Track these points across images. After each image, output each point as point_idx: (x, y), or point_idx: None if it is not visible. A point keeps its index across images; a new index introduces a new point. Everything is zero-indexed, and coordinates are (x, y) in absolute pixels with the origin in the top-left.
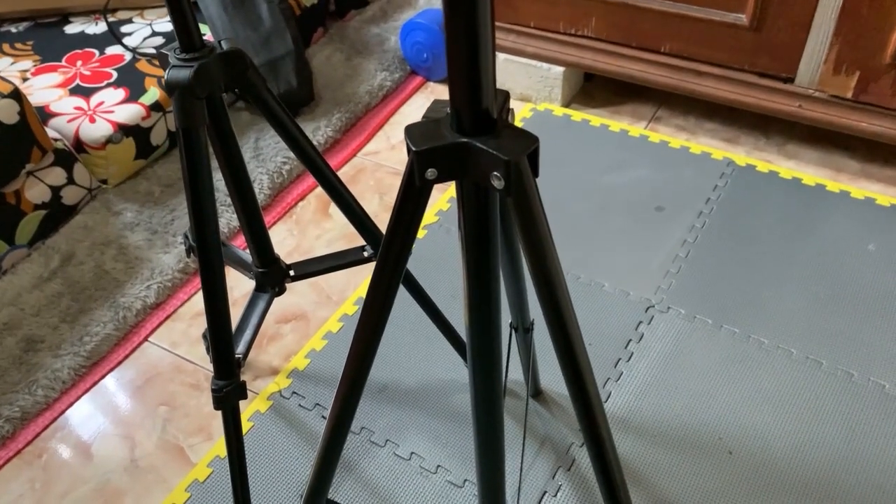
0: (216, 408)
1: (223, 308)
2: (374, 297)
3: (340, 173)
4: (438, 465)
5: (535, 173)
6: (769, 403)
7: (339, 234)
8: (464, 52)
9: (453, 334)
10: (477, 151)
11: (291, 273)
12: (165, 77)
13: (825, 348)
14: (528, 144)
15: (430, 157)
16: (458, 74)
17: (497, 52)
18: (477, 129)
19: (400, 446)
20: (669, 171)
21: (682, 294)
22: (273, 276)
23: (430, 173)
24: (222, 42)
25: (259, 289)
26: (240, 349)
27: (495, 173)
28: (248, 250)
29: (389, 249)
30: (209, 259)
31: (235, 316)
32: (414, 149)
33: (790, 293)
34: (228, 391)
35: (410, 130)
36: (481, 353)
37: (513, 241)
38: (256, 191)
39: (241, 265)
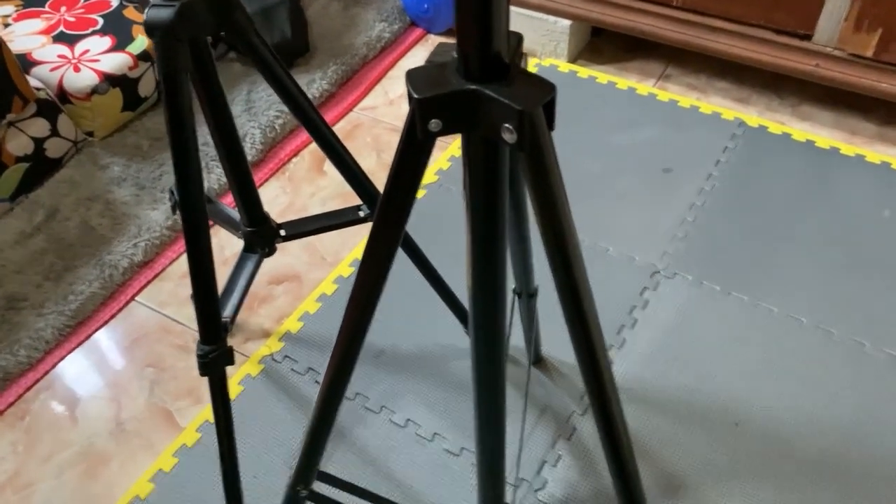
0: (202, 374)
1: (208, 269)
2: (371, 262)
3: (336, 128)
4: (435, 433)
5: (551, 126)
6: (777, 374)
7: (334, 192)
8: None
9: (453, 299)
10: (486, 100)
11: (282, 233)
12: (145, 17)
13: (836, 317)
14: (543, 93)
15: (433, 106)
16: (466, 11)
17: None
18: (487, 75)
19: (396, 413)
20: (678, 132)
21: (689, 259)
22: (263, 235)
23: (434, 124)
24: None
25: (248, 249)
26: (227, 312)
27: (507, 125)
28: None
29: (388, 209)
30: (193, 215)
31: (225, 276)
32: (416, 96)
33: (801, 260)
34: (215, 356)
35: (412, 76)
36: (485, 320)
37: (520, 201)
38: (248, 146)
39: (229, 223)
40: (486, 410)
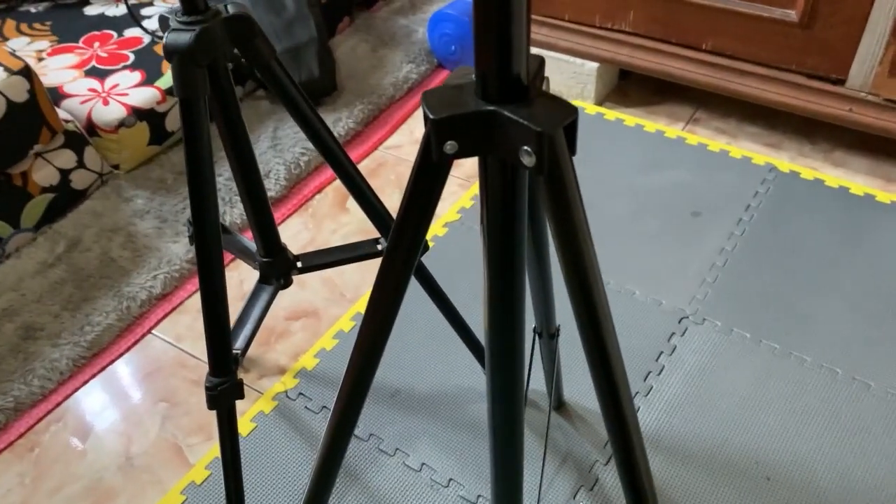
0: (210, 407)
1: (220, 298)
2: (383, 289)
3: (360, 167)
4: (451, 479)
5: (573, 150)
6: (811, 427)
7: (355, 228)
8: (493, 1)
9: (471, 338)
10: (505, 121)
11: (299, 265)
12: (164, 41)
13: (873, 369)
14: (565, 115)
15: (449, 128)
16: (485, 30)
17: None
18: (506, 96)
19: (410, 456)
20: (708, 176)
21: (718, 305)
22: (278, 266)
23: (450, 146)
24: (228, 6)
25: (263, 280)
26: (238, 344)
27: (525, 148)
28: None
29: (401, 235)
30: (206, 242)
31: (243, 302)
32: (431, 117)
33: (835, 308)
34: (224, 390)
35: (428, 97)
36: (502, 357)
37: (540, 233)
38: (272, 182)
39: (244, 254)
40: (502, 458)
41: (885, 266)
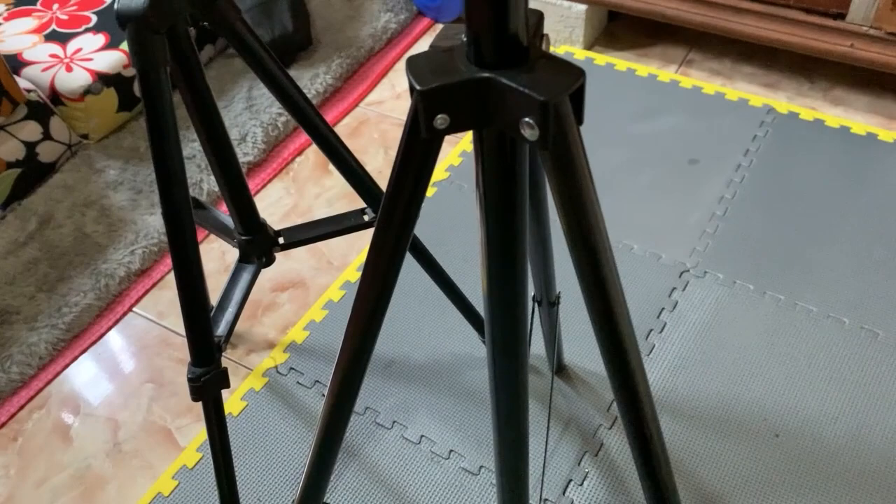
0: (194, 399)
1: (197, 285)
2: (373, 274)
3: (342, 125)
4: (451, 450)
5: (580, 120)
6: (819, 380)
7: (340, 192)
8: None
9: (467, 305)
10: (502, 90)
11: (280, 240)
12: (116, 6)
13: (881, 316)
14: (570, 80)
15: (439, 99)
16: None
17: None
18: (503, 61)
19: (408, 428)
20: (704, 120)
21: (720, 257)
22: (258, 244)
23: (441, 120)
24: None
25: (243, 259)
26: (220, 331)
27: (527, 119)
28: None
29: (390, 216)
30: (178, 226)
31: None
32: (418, 87)
33: (841, 255)
34: (207, 380)
35: (413, 63)
36: (503, 333)
37: (540, 201)
38: (249, 145)
39: (222, 231)
40: (506, 427)
41: (890, 208)
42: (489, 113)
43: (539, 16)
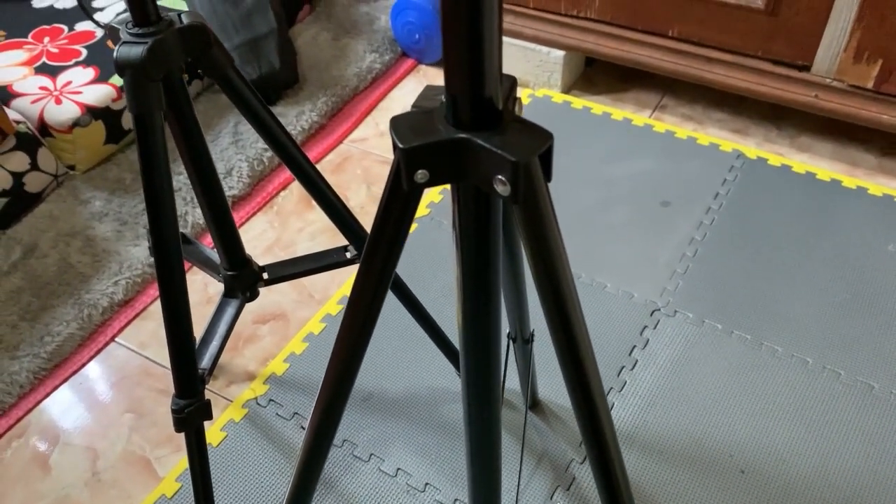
0: (178, 430)
1: (184, 318)
2: (355, 314)
3: (326, 161)
4: (427, 483)
5: (548, 177)
6: (784, 417)
7: (323, 226)
8: (463, 23)
9: (444, 340)
10: (477, 150)
11: (265, 276)
12: (115, 55)
13: (843, 357)
14: (539, 142)
15: (420, 157)
16: (455, 52)
17: None
18: (478, 123)
19: (385, 461)
20: (675, 163)
21: (689, 297)
22: (244, 279)
23: (421, 175)
24: (182, 15)
25: (228, 294)
26: (204, 363)
27: (500, 177)
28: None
29: (372, 262)
30: (167, 262)
31: (208, 317)
32: (401, 146)
33: (805, 297)
34: (191, 412)
35: (397, 123)
36: (477, 369)
37: (514, 245)
38: (235, 179)
39: (208, 266)
40: (479, 460)
41: (850, 253)
42: (465, 169)
43: (512, 81)
